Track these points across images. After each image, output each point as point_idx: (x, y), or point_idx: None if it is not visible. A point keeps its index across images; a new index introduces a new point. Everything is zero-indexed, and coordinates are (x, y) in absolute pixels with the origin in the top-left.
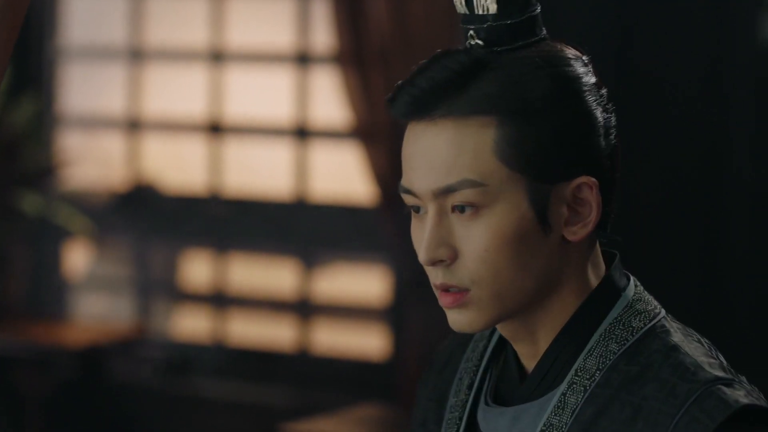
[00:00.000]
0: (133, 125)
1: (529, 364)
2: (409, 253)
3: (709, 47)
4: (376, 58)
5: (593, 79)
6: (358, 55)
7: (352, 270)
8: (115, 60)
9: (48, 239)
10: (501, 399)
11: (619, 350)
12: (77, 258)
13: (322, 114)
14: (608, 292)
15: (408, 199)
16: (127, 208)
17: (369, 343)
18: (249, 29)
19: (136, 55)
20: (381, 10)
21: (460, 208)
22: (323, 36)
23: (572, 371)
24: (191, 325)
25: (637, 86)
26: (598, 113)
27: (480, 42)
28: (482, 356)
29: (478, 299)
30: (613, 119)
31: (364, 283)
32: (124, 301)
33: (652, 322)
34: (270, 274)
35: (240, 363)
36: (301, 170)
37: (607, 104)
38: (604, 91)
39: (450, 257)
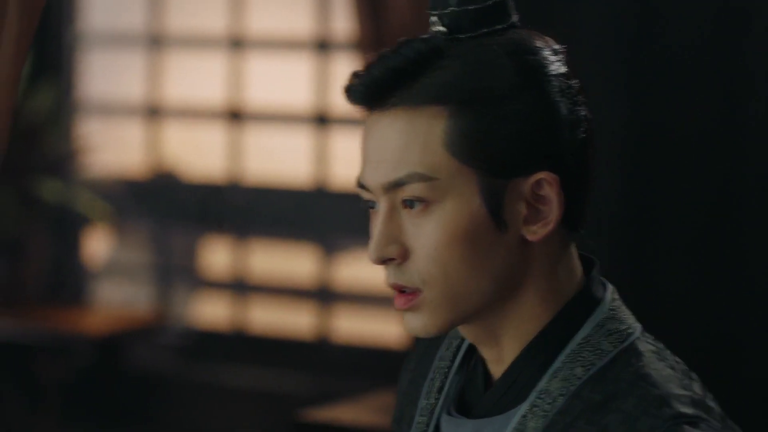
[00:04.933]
0: (153, 112)
1: (496, 369)
2: None
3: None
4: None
5: (562, 69)
6: (378, 41)
7: None
8: (134, 46)
9: (68, 226)
10: (466, 405)
11: (584, 375)
12: (97, 245)
13: (342, 101)
14: (581, 307)
15: (364, 194)
16: (147, 195)
17: (388, 330)
18: (269, 15)
19: (156, 42)
20: None
21: (410, 203)
22: (343, 22)
23: (535, 392)
24: (211, 312)
25: (656, 62)
26: (563, 105)
27: (443, 29)
28: (455, 356)
29: (430, 301)
30: (582, 112)
31: (383, 270)
32: (144, 288)
33: (624, 344)
34: (290, 261)
35: (259, 350)
36: (321, 157)
37: (576, 96)
38: (575, 82)
39: (400, 255)
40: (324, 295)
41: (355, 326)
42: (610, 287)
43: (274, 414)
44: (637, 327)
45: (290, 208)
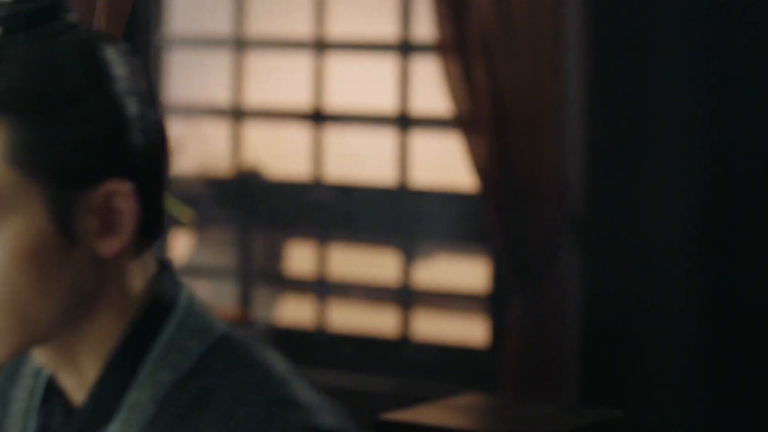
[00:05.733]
0: (237, 114)
1: (79, 396)
2: (511, 241)
3: None
4: (478, 48)
5: (126, 69)
6: (460, 44)
7: (453, 258)
8: (219, 49)
9: None
10: None
11: (173, 378)
12: (180, 246)
13: (424, 103)
14: (156, 311)
15: None
16: (230, 196)
17: (470, 331)
18: (351, 18)
19: (240, 45)
20: None
21: None
22: (425, 25)
23: (125, 406)
24: (294, 312)
25: (734, 67)
26: (132, 106)
27: None
28: (33, 396)
29: None
30: (154, 113)
31: (465, 271)
32: (227, 289)
33: (210, 340)
34: (371, 262)
35: (341, 350)
36: (403, 159)
37: (146, 96)
38: (142, 80)
39: None
40: (406, 296)
41: (437, 327)
42: (186, 287)
43: (356, 414)
44: (219, 322)
45: (372, 209)
